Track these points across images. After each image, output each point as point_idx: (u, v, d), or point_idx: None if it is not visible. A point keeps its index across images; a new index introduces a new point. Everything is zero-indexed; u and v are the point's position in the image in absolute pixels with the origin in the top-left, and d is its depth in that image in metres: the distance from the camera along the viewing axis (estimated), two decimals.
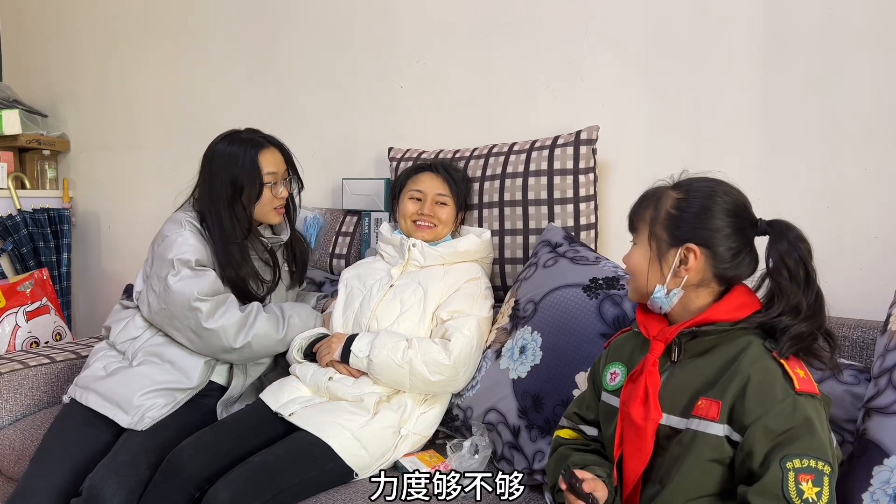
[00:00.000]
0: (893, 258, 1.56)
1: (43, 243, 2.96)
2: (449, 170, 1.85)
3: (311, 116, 2.49)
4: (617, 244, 1.88)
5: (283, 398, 1.63)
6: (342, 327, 1.75)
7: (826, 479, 0.94)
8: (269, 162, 1.77)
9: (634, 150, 1.87)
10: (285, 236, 1.88)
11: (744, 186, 1.77)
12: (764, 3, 1.67)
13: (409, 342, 1.60)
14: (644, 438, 1.07)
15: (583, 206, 1.80)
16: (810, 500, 0.93)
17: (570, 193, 1.80)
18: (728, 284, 1.11)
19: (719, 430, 1.02)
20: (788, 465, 0.94)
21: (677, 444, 1.06)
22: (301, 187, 1.92)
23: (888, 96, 1.55)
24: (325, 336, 1.74)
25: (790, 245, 1.07)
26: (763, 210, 1.68)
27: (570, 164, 1.80)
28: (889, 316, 1.26)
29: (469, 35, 2.12)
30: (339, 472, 1.47)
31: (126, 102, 2.98)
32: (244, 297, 1.76)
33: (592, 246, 1.80)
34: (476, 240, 1.80)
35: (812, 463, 0.94)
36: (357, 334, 1.66)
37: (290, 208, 1.91)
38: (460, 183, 1.85)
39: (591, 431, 1.26)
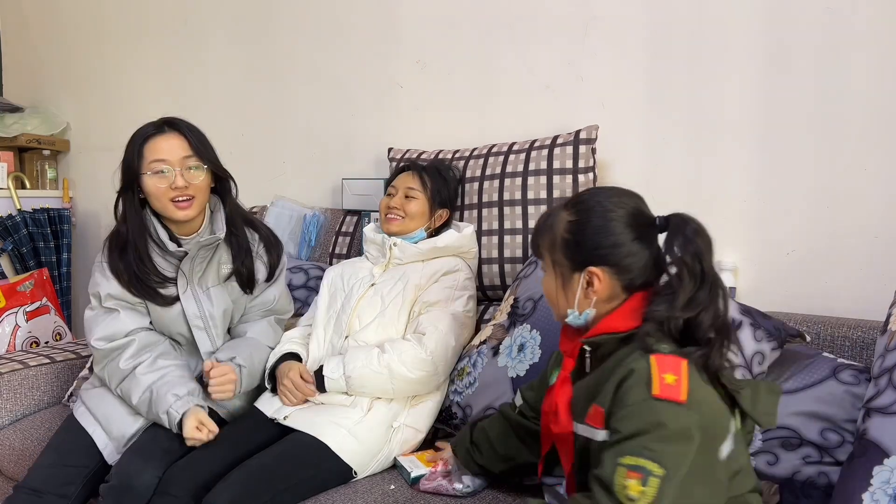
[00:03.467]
0: (893, 258, 1.56)
1: (43, 243, 2.96)
2: (426, 168, 1.86)
3: (311, 116, 2.49)
4: None
5: (277, 403, 1.62)
6: (324, 326, 1.74)
7: (655, 482, 0.93)
8: (159, 149, 1.58)
9: (634, 150, 1.86)
10: (221, 233, 1.64)
11: (743, 186, 1.77)
12: (764, 3, 1.67)
13: (381, 348, 1.59)
14: (566, 446, 1.12)
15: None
16: (631, 497, 0.93)
17: (569, 193, 1.80)
18: (641, 290, 1.10)
19: (603, 435, 1.03)
20: (621, 459, 0.96)
21: (587, 451, 1.08)
22: (230, 179, 1.68)
23: (888, 97, 1.55)
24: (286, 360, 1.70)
25: (686, 239, 1.05)
26: (763, 210, 1.69)
27: (569, 164, 1.80)
28: (889, 316, 1.26)
29: (469, 35, 2.12)
30: (337, 472, 1.47)
31: (126, 102, 2.98)
32: (157, 296, 1.63)
33: None
34: (455, 234, 1.80)
35: (643, 462, 0.94)
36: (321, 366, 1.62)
37: (224, 202, 1.68)
38: (436, 179, 1.84)
39: (520, 402, 1.39)
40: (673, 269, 1.06)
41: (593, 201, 1.11)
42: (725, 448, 1.01)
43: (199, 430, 1.49)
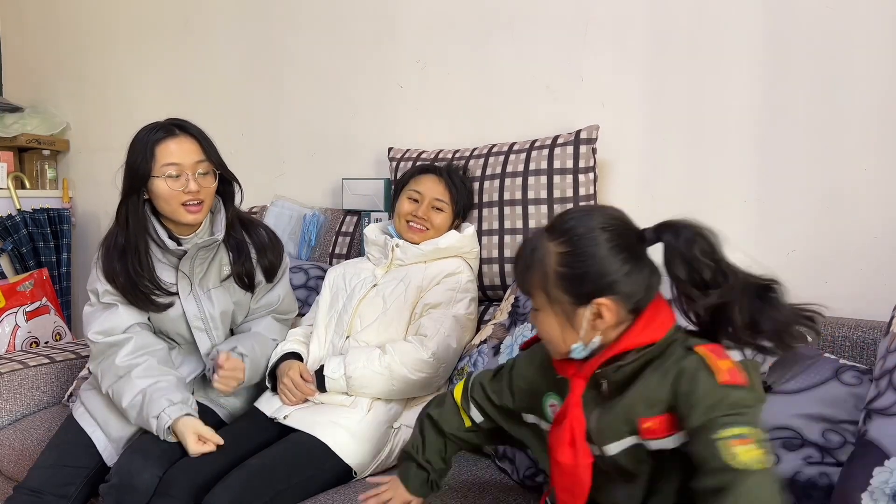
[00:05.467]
0: (893, 258, 1.56)
1: (43, 243, 2.96)
2: (452, 175, 1.83)
3: (311, 116, 2.49)
4: None
5: (277, 403, 1.62)
6: (325, 326, 1.74)
7: (758, 441, 0.91)
8: (173, 152, 1.57)
9: (634, 150, 1.86)
10: (219, 235, 1.64)
11: (743, 186, 1.77)
12: (764, 3, 1.67)
13: (382, 349, 1.59)
14: (579, 483, 1.02)
15: (582, 205, 1.80)
16: (753, 460, 0.90)
17: (569, 193, 1.80)
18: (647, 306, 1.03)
19: (675, 440, 0.98)
20: (718, 435, 0.91)
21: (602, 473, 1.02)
22: (237, 184, 1.70)
23: (888, 96, 1.55)
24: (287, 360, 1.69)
25: (686, 245, 0.99)
26: (763, 209, 1.69)
27: (569, 164, 1.80)
28: (892, 318, 1.26)
29: (469, 35, 2.12)
30: (337, 472, 1.47)
31: (126, 102, 2.98)
32: (149, 304, 1.62)
33: None
34: (457, 235, 1.79)
35: (741, 430, 0.91)
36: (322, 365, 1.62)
37: (227, 207, 1.69)
38: (461, 190, 1.83)
39: (479, 419, 1.23)
40: (683, 284, 0.99)
41: (581, 227, 1.01)
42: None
43: (202, 442, 1.47)
